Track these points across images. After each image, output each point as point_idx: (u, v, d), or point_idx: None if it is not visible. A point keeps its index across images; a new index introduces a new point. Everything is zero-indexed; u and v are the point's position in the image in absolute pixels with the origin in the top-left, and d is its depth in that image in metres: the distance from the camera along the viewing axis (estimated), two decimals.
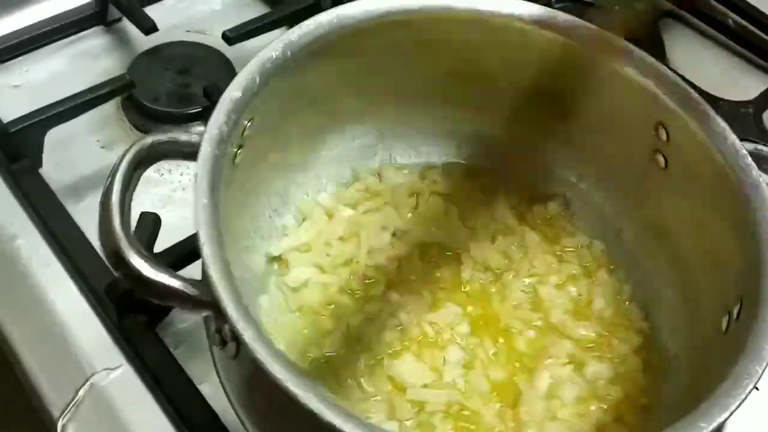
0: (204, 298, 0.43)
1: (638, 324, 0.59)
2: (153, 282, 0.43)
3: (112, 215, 0.43)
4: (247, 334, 0.40)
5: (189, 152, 0.46)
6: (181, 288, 0.43)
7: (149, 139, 0.45)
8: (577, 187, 0.64)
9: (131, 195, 0.44)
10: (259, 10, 0.84)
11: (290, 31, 0.51)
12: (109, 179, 0.44)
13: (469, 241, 0.61)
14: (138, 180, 0.45)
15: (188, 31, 0.82)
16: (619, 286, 0.60)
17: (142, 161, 0.45)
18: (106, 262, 0.44)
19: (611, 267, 0.61)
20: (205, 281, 0.43)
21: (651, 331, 0.58)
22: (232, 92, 0.47)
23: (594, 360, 0.56)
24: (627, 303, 0.60)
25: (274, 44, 0.51)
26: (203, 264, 0.41)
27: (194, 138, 0.46)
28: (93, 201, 0.67)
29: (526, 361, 0.56)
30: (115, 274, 0.44)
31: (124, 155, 0.45)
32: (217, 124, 0.46)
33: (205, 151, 0.44)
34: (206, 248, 0.42)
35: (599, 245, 0.62)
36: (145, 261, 0.43)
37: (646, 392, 0.55)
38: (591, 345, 0.57)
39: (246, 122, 0.49)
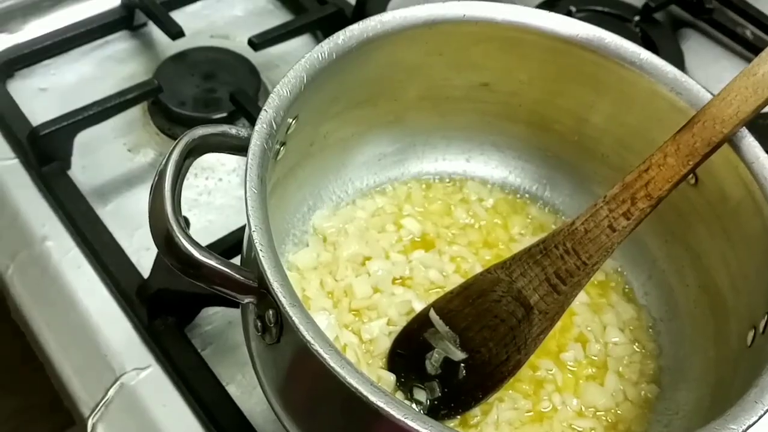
0: (250, 283, 0.48)
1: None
2: (203, 264, 0.47)
3: (164, 200, 0.47)
4: (296, 315, 0.44)
5: (237, 146, 0.51)
6: (229, 272, 0.48)
7: (200, 131, 0.50)
8: None
9: (182, 182, 0.49)
10: (279, 17, 0.92)
11: (336, 34, 0.56)
12: (162, 166, 0.48)
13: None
14: (188, 169, 0.50)
15: (212, 36, 0.89)
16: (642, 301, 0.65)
17: (192, 151, 0.49)
18: (155, 245, 0.48)
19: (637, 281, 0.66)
20: (251, 266, 0.48)
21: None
22: (282, 89, 0.52)
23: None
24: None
25: (321, 45, 0.55)
26: (253, 249, 0.46)
27: (243, 132, 0.51)
28: (120, 203, 0.75)
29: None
30: (165, 258, 0.48)
31: (176, 145, 0.49)
32: (267, 119, 0.50)
33: (255, 143, 0.49)
34: (256, 234, 0.46)
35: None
36: (195, 245, 0.47)
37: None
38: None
39: (291, 120, 0.54)
